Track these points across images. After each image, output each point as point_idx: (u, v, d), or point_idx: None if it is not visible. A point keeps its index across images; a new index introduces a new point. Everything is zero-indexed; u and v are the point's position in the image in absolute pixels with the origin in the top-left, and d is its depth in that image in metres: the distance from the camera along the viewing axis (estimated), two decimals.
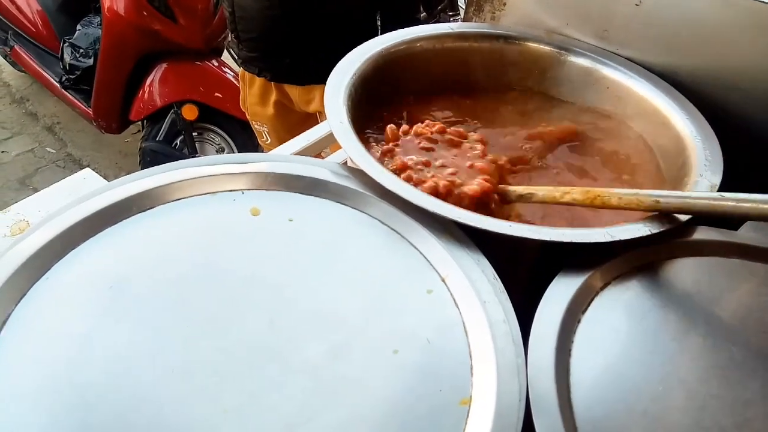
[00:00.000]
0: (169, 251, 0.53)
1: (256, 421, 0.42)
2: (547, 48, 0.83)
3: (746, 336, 0.51)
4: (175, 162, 0.60)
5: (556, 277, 0.53)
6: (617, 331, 0.51)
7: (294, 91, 1.57)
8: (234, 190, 0.59)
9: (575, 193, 0.59)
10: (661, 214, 0.57)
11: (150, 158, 2.26)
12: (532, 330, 0.48)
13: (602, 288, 0.54)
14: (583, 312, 0.52)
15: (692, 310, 0.53)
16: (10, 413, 0.41)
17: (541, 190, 0.62)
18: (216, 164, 0.60)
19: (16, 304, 0.47)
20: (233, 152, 2.34)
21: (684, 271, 0.57)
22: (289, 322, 0.49)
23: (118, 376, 0.44)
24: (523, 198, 0.63)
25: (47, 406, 0.42)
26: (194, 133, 2.29)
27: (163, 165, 0.59)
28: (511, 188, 0.64)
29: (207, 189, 0.59)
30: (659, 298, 0.54)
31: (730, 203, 0.53)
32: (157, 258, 0.52)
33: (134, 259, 0.52)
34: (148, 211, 0.56)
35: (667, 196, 0.56)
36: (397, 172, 0.62)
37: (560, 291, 0.52)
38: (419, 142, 0.66)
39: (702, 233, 0.60)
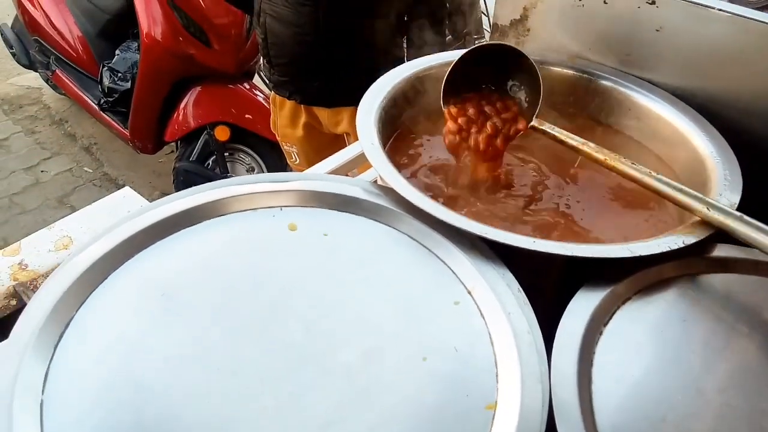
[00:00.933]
0: (215, 262, 0.57)
1: (294, 419, 0.45)
2: (569, 72, 0.86)
3: (764, 350, 0.53)
4: (219, 181, 0.64)
5: (579, 291, 0.56)
6: (638, 343, 0.53)
7: (323, 114, 1.63)
8: (273, 207, 0.63)
9: (590, 147, 0.68)
10: (689, 228, 0.60)
11: (183, 178, 2.33)
12: (555, 340, 0.51)
13: (624, 301, 0.56)
14: (606, 324, 0.54)
15: (712, 324, 0.55)
16: (72, 408, 0.45)
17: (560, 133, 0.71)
18: (256, 183, 0.64)
19: (78, 310, 0.51)
20: (263, 172, 2.40)
21: (704, 286, 0.59)
22: (324, 329, 0.52)
23: (168, 375, 0.48)
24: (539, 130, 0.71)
25: (104, 402, 0.46)
26: (226, 154, 2.37)
27: (208, 184, 0.64)
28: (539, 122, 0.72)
29: (248, 206, 0.63)
30: (680, 312, 0.56)
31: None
32: (204, 268, 0.56)
33: (183, 269, 0.56)
34: (195, 225, 0.60)
35: (667, 183, 0.62)
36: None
37: (583, 304, 0.54)
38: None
39: (723, 250, 0.61)
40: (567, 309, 0.53)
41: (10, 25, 3.24)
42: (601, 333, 0.53)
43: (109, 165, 3.04)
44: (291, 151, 1.78)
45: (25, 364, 0.46)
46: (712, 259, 0.61)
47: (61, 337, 0.49)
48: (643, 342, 0.53)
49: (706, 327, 0.55)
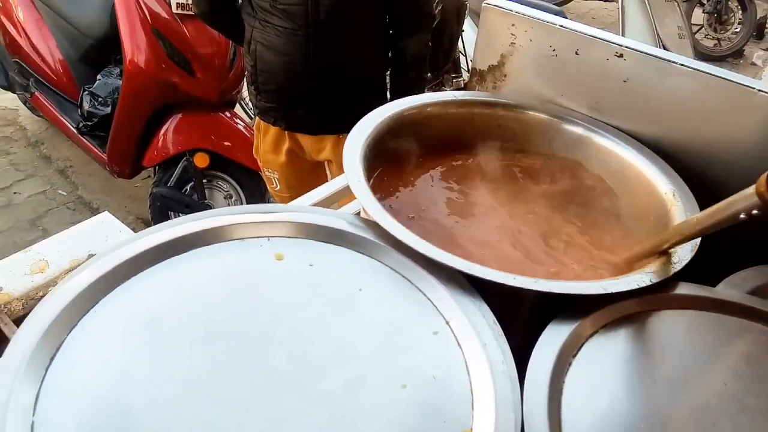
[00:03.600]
0: (202, 290, 0.59)
1: None
2: (542, 116, 0.91)
3: (721, 381, 0.56)
4: (208, 211, 0.66)
5: (550, 324, 0.59)
6: (605, 374, 0.56)
7: (306, 141, 1.66)
8: (260, 237, 0.65)
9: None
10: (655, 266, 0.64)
11: (160, 203, 2.32)
12: (527, 370, 0.54)
13: (592, 335, 0.60)
14: (574, 356, 0.57)
15: (673, 356, 0.59)
16: (62, 430, 0.46)
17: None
18: (244, 213, 0.67)
19: (68, 334, 0.53)
20: (241, 199, 2.41)
21: (666, 321, 0.63)
22: (308, 357, 0.54)
23: (154, 401, 0.49)
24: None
25: (93, 425, 0.47)
26: (204, 180, 2.37)
27: (196, 213, 0.66)
28: None
29: (236, 236, 0.65)
30: (643, 346, 0.60)
31: None
32: (191, 297, 0.58)
33: (171, 297, 0.58)
34: (183, 254, 0.62)
35: None
36: None
37: (553, 336, 0.58)
38: None
39: (683, 288, 0.66)
40: (538, 342, 0.57)
41: None
42: (570, 364, 0.56)
43: (83, 188, 3.01)
44: (272, 177, 1.80)
45: (17, 384, 0.47)
46: (674, 297, 0.65)
47: (52, 359, 0.50)
48: (609, 373, 0.56)
49: (667, 359, 0.58)
